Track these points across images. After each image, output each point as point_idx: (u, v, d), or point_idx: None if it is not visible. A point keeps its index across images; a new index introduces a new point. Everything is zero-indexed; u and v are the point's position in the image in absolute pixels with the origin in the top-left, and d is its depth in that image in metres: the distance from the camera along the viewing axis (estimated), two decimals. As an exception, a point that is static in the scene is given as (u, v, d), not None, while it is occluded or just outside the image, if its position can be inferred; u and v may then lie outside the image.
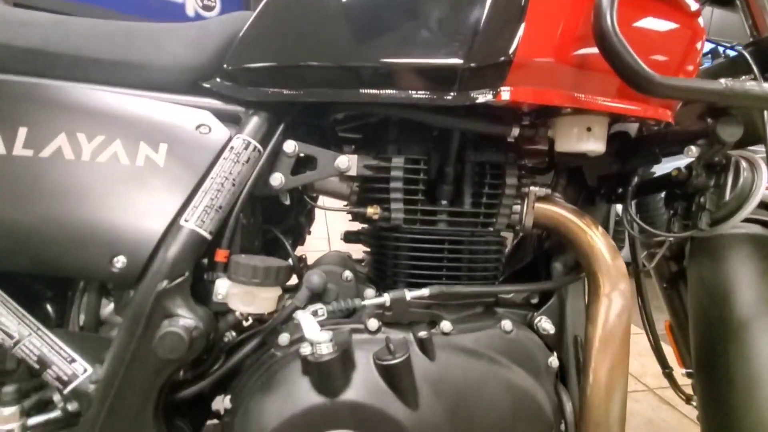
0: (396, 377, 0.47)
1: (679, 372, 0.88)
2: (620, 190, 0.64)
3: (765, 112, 0.53)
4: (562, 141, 0.56)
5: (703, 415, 0.67)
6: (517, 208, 0.62)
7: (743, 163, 0.53)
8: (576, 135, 0.55)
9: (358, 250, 0.75)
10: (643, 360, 1.89)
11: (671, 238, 0.75)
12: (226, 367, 0.52)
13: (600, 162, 0.65)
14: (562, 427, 0.58)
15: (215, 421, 0.65)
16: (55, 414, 0.47)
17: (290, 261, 0.63)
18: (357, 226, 0.75)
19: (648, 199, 0.80)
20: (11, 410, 0.44)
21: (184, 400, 0.54)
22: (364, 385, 0.46)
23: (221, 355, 0.54)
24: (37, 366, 0.45)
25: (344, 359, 0.46)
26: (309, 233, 0.87)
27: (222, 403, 0.54)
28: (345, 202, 0.66)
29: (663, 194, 0.65)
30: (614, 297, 0.60)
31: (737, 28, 0.67)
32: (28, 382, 0.48)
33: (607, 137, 0.55)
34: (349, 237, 0.77)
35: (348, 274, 0.60)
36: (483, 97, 0.48)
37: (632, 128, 0.65)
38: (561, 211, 0.63)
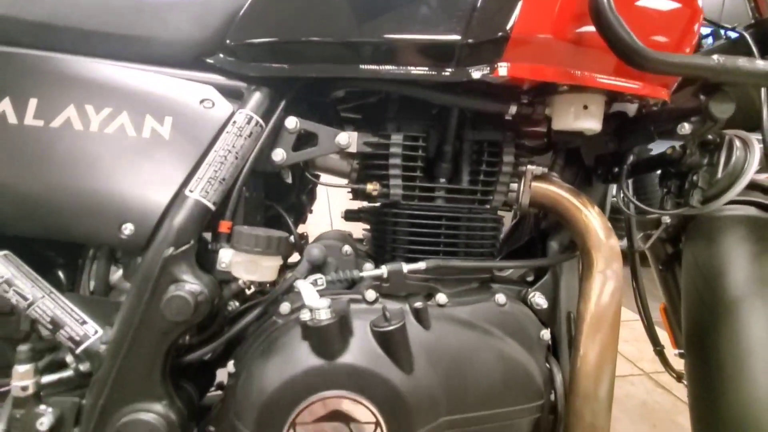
0: (392, 343, 0.49)
1: (671, 353, 0.90)
2: (616, 170, 0.65)
3: (763, 90, 0.53)
4: (559, 119, 0.57)
5: (691, 393, 0.68)
6: (514, 186, 0.63)
7: (737, 142, 0.54)
8: (572, 113, 0.55)
9: (358, 231, 0.77)
10: (639, 345, 1.91)
11: (666, 218, 0.76)
12: (229, 334, 0.54)
13: (597, 142, 0.66)
14: (552, 397, 0.60)
15: (219, 392, 0.67)
16: (67, 374, 0.50)
17: (292, 238, 0.65)
18: (358, 205, 0.77)
19: (645, 181, 0.81)
20: (26, 368, 0.47)
21: (191, 365, 0.57)
22: (361, 349, 0.48)
23: (225, 323, 0.56)
24: (50, 326, 0.47)
25: (342, 325, 0.48)
26: (311, 212, 0.89)
27: (226, 370, 0.57)
28: (346, 180, 0.67)
29: (659, 175, 0.66)
30: (607, 274, 0.61)
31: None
32: (42, 343, 0.50)
33: (604, 117, 0.56)
34: (350, 215, 0.79)
35: (347, 248, 0.62)
36: (480, 72, 0.49)
37: (630, 109, 0.66)
38: (557, 190, 0.64)
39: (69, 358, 0.50)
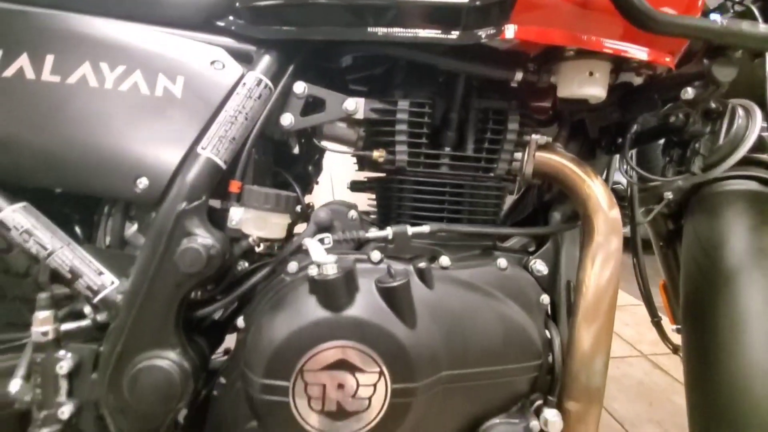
0: (396, 299, 0.51)
1: (669, 329, 0.92)
2: (620, 141, 0.66)
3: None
4: (564, 86, 0.57)
5: (686, 362, 0.70)
6: (518, 155, 0.64)
7: (739, 111, 0.55)
8: (578, 79, 0.56)
9: (363, 205, 0.78)
10: (639, 329, 1.94)
11: (669, 193, 0.77)
12: (239, 291, 0.56)
13: (601, 113, 0.66)
14: (550, 359, 0.62)
15: (225, 357, 0.70)
16: (85, 323, 0.52)
17: (299, 208, 0.67)
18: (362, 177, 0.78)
19: (649, 155, 0.81)
20: (46, 314, 0.49)
21: (202, 322, 0.59)
22: (366, 304, 0.50)
23: (235, 282, 0.58)
24: (69, 275, 0.49)
25: (348, 280, 0.50)
26: (317, 183, 0.90)
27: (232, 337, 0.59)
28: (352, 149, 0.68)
29: (662, 146, 0.66)
30: (607, 243, 0.62)
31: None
32: (61, 292, 0.52)
33: (609, 87, 0.57)
34: (356, 185, 0.80)
35: (353, 213, 0.63)
36: (487, 35, 0.50)
37: (635, 80, 0.66)
38: (561, 160, 0.65)
39: (87, 309, 0.53)
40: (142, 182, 0.49)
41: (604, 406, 1.47)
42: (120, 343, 0.50)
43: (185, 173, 0.50)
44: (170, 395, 0.49)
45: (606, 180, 0.75)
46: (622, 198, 0.77)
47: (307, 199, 0.86)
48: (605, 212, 0.63)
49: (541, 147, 0.65)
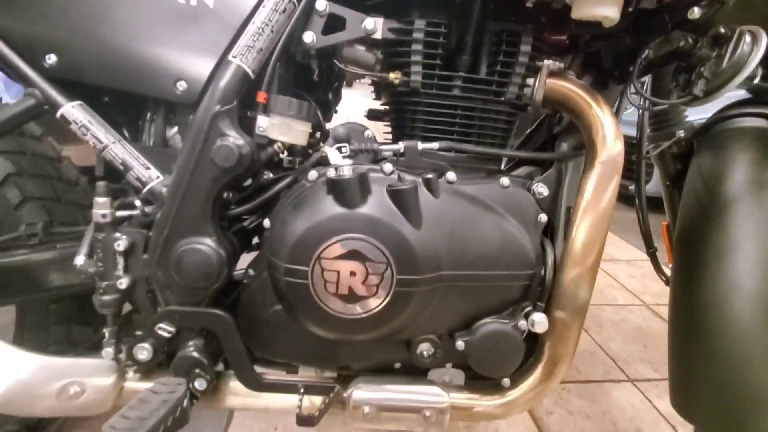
0: (404, 201, 0.57)
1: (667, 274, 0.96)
2: (631, 69, 0.67)
3: None
4: (579, 7, 0.58)
5: (672, 285, 0.75)
6: (530, 81, 0.66)
7: (746, 36, 0.55)
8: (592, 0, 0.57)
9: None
10: (645, 281, 1.98)
11: (680, 132, 0.78)
12: (265, 196, 0.63)
13: (614, 40, 0.67)
14: (543, 272, 0.68)
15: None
16: (136, 212, 0.60)
17: (318, 134, 0.72)
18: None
19: (662, 89, 0.82)
20: (104, 199, 0.57)
21: (233, 223, 0.67)
22: (377, 204, 0.57)
23: (261, 189, 0.65)
24: (121, 167, 0.57)
25: (362, 181, 0.56)
26: (336, 112, 0.95)
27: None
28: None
29: (671, 72, 0.67)
30: (607, 167, 0.66)
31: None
32: (115, 183, 0.60)
33: (621, 14, 0.57)
34: (372, 113, 0.84)
35: (369, 132, 0.68)
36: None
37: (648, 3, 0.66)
38: (572, 87, 0.67)
39: (137, 203, 0.61)
40: (182, 85, 0.55)
41: (599, 344, 1.56)
42: (166, 228, 0.58)
43: (218, 79, 0.55)
44: (209, 274, 0.58)
45: (616, 113, 0.77)
46: (631, 164, 0.78)
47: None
48: (610, 141, 0.66)
49: (554, 74, 0.67)
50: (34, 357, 0.59)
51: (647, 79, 0.78)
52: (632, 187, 0.92)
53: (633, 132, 0.86)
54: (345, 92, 1.00)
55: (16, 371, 0.58)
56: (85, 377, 0.61)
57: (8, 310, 0.82)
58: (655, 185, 0.98)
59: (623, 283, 1.96)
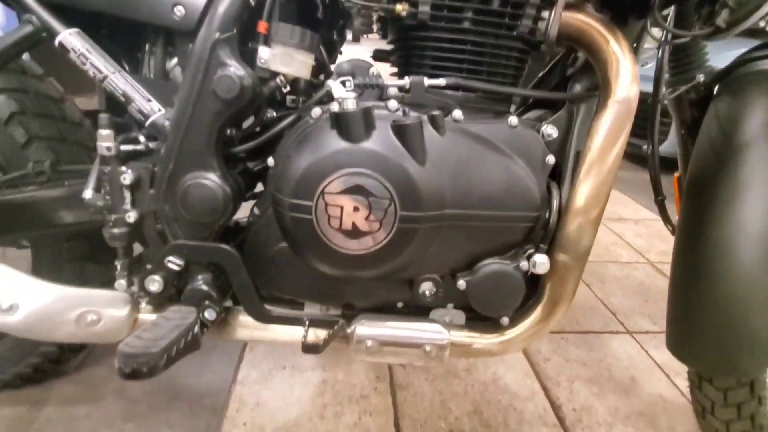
0: (408, 136, 0.56)
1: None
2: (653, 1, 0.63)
3: None
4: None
5: (678, 231, 0.74)
6: (545, 14, 0.63)
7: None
8: None
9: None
10: (651, 240, 1.98)
11: (701, 76, 0.74)
12: (270, 133, 0.63)
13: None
14: (547, 215, 0.68)
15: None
16: (140, 147, 0.60)
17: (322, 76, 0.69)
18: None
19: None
20: (107, 132, 0.57)
21: (237, 162, 0.66)
22: (381, 139, 0.56)
23: (264, 127, 0.64)
24: (122, 99, 0.57)
25: (366, 114, 0.55)
26: (340, 53, 0.92)
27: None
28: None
29: (695, 7, 0.63)
30: (621, 109, 0.63)
31: None
32: (117, 117, 0.60)
33: None
34: (379, 54, 0.81)
35: (374, 69, 0.66)
36: None
37: None
38: (589, 20, 0.64)
39: (141, 138, 0.61)
40: (179, 10, 0.53)
41: (600, 299, 1.58)
42: (171, 163, 0.58)
43: (217, 5, 0.53)
44: (214, 209, 0.59)
45: (635, 51, 0.73)
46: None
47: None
48: (626, 80, 0.63)
49: (571, 6, 0.63)
50: (52, 286, 0.62)
51: (670, 11, 0.73)
52: (645, 147, 0.89)
53: (648, 88, 0.83)
54: (352, 48, 0.96)
55: (37, 299, 0.61)
56: (101, 307, 0.64)
57: (25, 256, 0.85)
58: (670, 145, 0.95)
59: (628, 241, 1.96)
